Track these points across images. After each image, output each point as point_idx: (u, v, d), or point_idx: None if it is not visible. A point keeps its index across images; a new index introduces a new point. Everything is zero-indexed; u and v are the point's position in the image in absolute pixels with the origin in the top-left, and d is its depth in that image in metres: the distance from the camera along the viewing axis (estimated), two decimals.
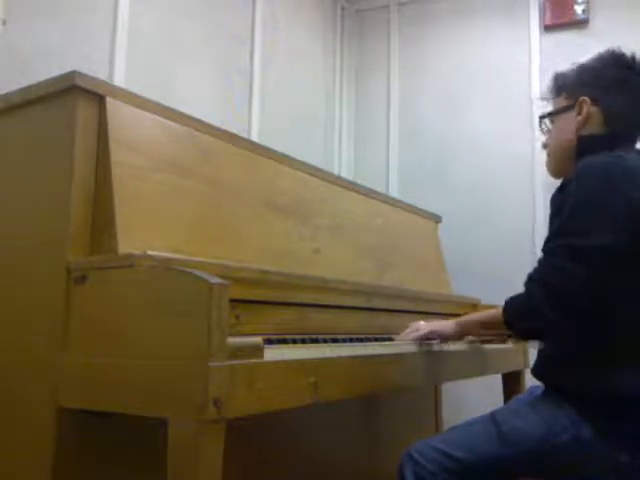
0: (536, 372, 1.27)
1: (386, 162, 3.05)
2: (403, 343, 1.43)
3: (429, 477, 1.13)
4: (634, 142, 1.29)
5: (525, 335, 1.22)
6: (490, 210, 2.76)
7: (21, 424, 1.12)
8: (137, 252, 1.04)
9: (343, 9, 3.23)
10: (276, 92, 2.64)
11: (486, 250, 2.73)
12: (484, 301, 2.23)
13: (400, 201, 2.31)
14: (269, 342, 1.14)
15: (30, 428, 1.10)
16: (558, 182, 1.30)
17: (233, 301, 0.96)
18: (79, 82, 1.14)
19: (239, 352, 0.92)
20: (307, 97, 2.91)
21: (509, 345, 1.96)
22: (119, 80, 1.90)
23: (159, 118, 1.30)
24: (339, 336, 1.42)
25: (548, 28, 2.76)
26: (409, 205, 2.32)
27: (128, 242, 1.11)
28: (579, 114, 1.28)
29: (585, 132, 1.27)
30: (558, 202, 1.18)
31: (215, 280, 0.90)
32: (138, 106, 1.26)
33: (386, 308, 1.71)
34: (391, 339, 1.50)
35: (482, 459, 1.15)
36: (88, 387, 1.02)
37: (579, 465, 1.15)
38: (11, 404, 1.14)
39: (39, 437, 1.07)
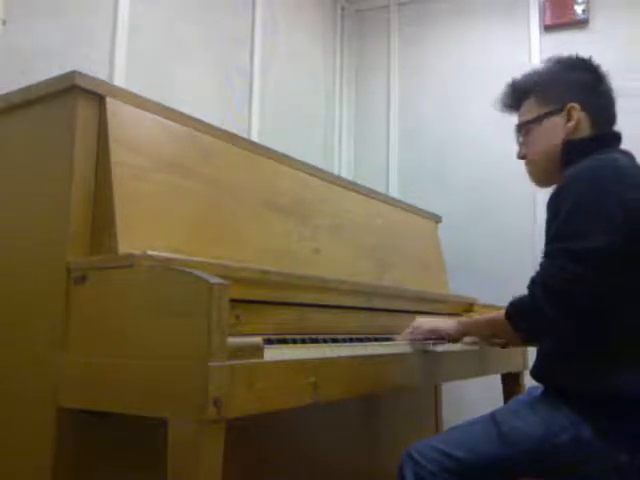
0: (535, 373, 1.27)
1: (386, 162, 3.05)
2: (403, 343, 1.43)
3: (429, 477, 1.13)
4: (620, 141, 1.30)
5: (526, 335, 1.22)
6: (490, 210, 2.76)
7: (21, 424, 1.12)
8: (137, 252, 1.04)
9: (343, 9, 3.22)
10: (276, 92, 2.64)
11: (486, 249, 2.73)
12: (485, 300, 2.23)
13: (400, 201, 2.31)
14: (269, 342, 1.14)
15: (30, 428, 1.10)
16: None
17: (233, 301, 0.96)
18: (79, 82, 1.14)
19: (239, 352, 0.92)
20: (307, 97, 2.91)
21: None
22: (119, 80, 1.90)
23: (159, 118, 1.30)
24: (339, 336, 1.42)
25: (548, 28, 2.76)
26: (409, 205, 2.32)
27: (128, 242, 1.11)
28: (569, 120, 1.28)
29: (574, 137, 1.28)
30: (554, 206, 1.19)
31: (215, 280, 0.90)
32: (138, 106, 1.26)
33: (386, 308, 1.71)
34: (391, 339, 1.50)
35: (482, 459, 1.15)
36: (88, 387, 1.02)
37: (579, 465, 1.15)
38: (11, 404, 1.14)
39: (39, 437, 1.07)
